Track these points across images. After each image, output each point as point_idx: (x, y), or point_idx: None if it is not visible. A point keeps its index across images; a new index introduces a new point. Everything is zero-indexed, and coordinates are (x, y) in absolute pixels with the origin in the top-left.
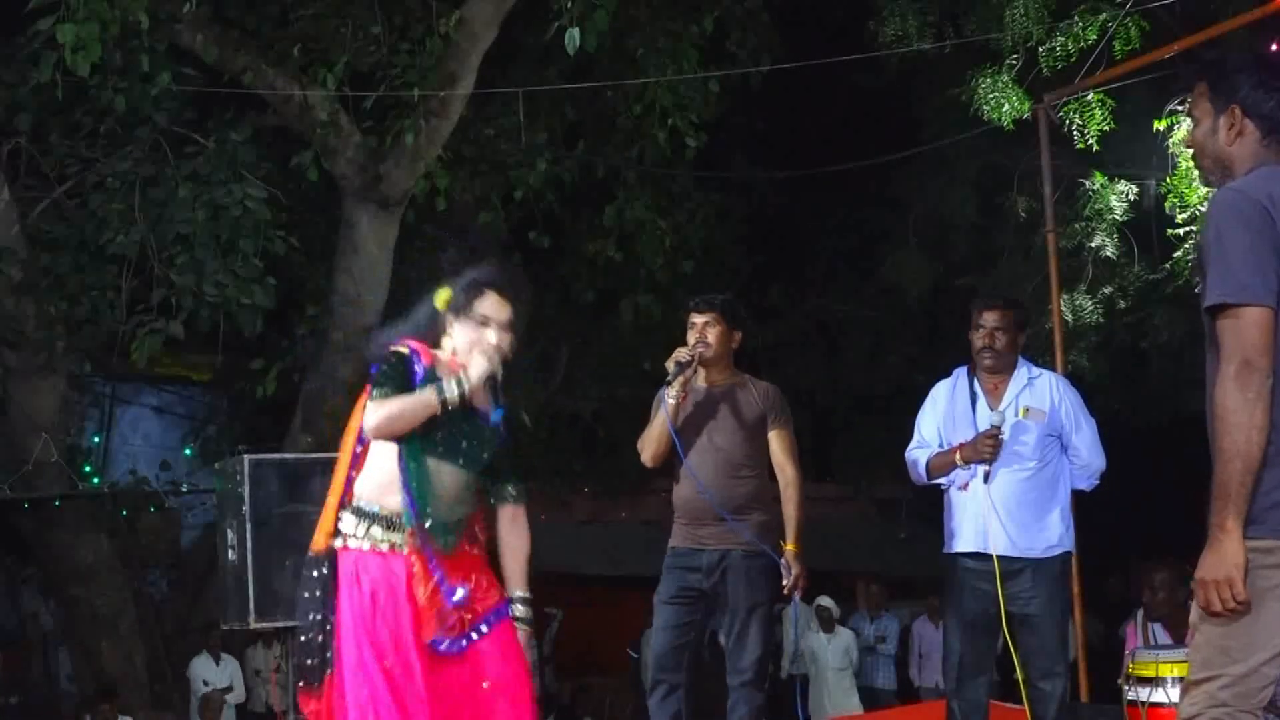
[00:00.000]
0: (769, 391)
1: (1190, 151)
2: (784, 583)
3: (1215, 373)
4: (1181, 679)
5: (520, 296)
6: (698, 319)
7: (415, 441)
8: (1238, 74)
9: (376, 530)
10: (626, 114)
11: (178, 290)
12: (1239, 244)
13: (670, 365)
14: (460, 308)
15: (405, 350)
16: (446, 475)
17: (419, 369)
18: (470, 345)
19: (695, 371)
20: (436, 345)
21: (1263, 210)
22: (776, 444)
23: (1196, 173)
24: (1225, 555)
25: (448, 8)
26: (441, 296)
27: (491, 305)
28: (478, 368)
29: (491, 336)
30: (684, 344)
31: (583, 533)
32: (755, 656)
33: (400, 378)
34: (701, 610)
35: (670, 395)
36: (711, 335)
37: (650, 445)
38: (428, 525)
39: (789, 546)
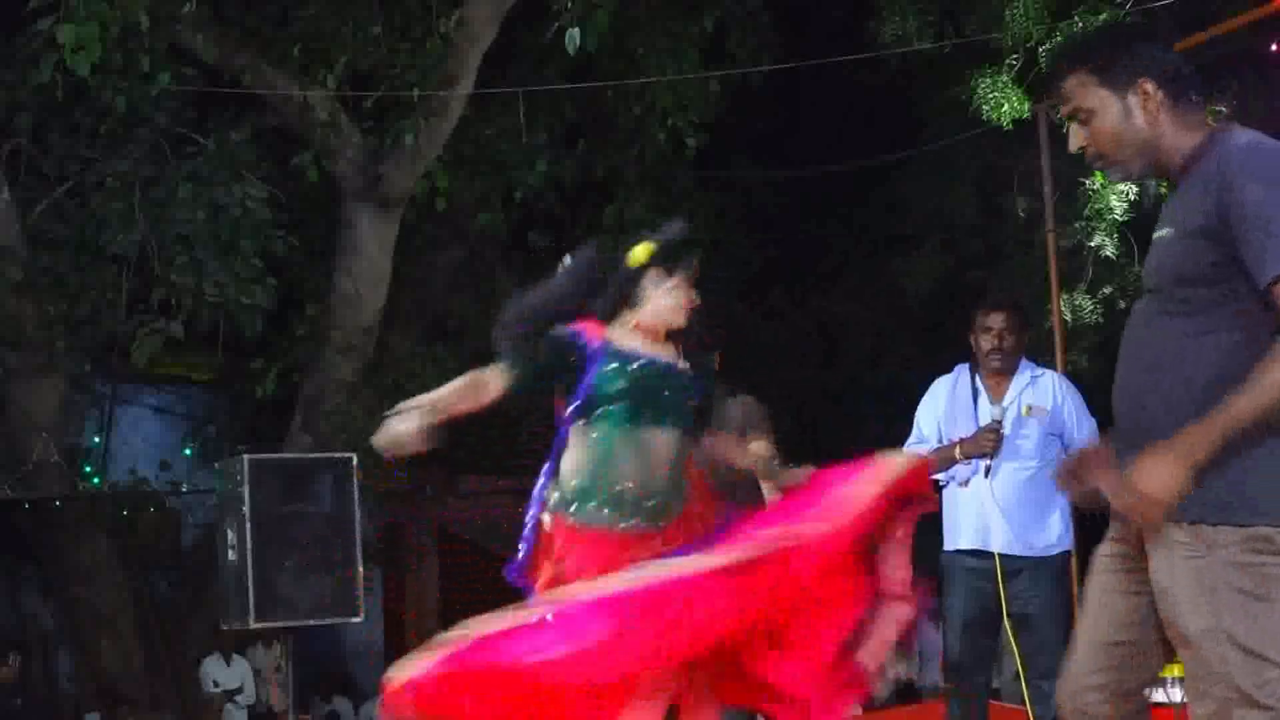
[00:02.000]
0: (749, 403)
1: (1088, 152)
2: None
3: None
4: (1182, 679)
5: None
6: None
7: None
8: (1131, 45)
9: None
10: (626, 114)
11: (178, 290)
12: None
13: None
14: (676, 264)
15: (568, 334)
16: (663, 440)
17: (589, 346)
18: (682, 305)
19: None
20: (610, 313)
21: None
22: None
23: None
24: (1176, 479)
25: (448, 8)
26: (639, 254)
27: (694, 265)
28: (676, 324)
29: (692, 295)
30: None
31: None
32: None
33: (542, 365)
34: None
35: None
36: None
37: None
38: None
39: None
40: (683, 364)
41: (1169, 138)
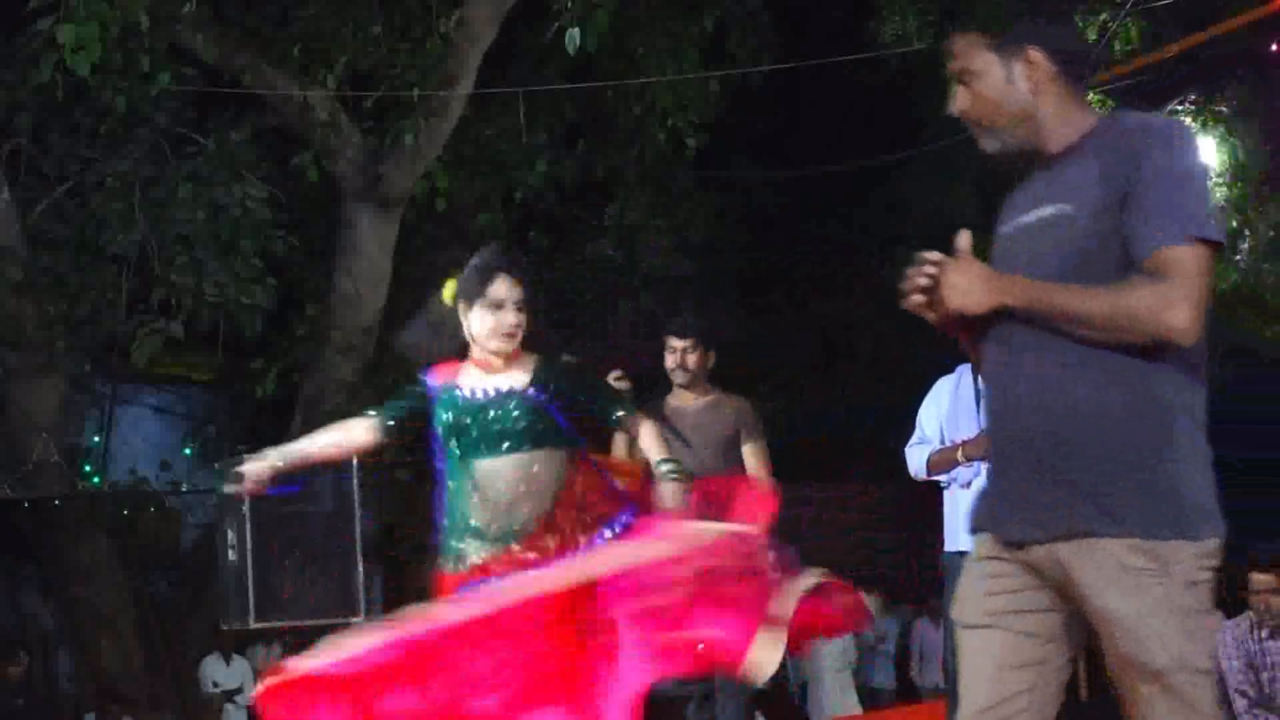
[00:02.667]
0: (742, 407)
1: (967, 116)
2: None
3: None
4: None
5: (529, 275)
6: (677, 344)
7: (453, 455)
8: (1028, 14)
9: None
10: (626, 114)
11: (178, 290)
12: (1203, 183)
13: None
14: (473, 295)
15: (421, 381)
16: (491, 467)
17: (432, 391)
18: (492, 331)
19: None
20: (464, 350)
21: None
22: (750, 457)
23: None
24: (984, 298)
25: (448, 8)
26: (448, 290)
27: (503, 286)
28: (499, 349)
29: (510, 317)
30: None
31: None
32: None
33: (402, 408)
34: None
35: None
36: (691, 361)
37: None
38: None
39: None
40: (517, 385)
41: (1051, 113)
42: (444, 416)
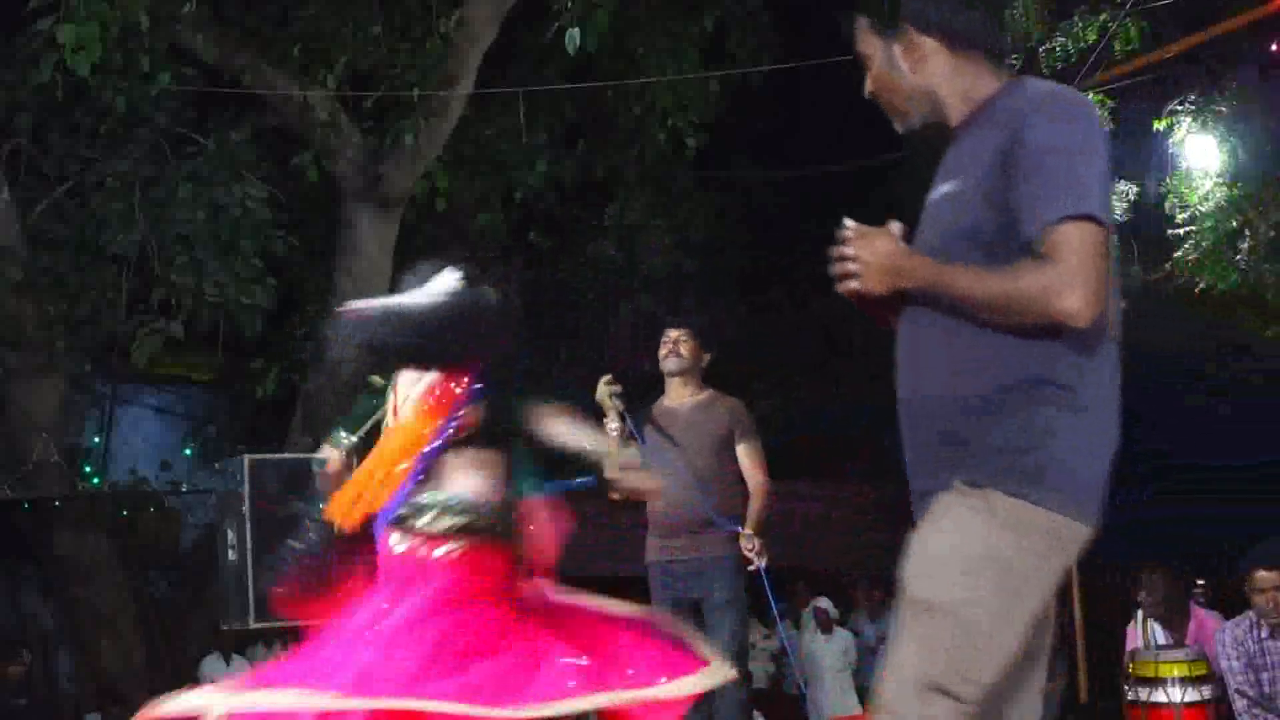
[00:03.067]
0: (735, 406)
1: (877, 96)
2: (745, 548)
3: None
4: (1182, 679)
5: None
6: (672, 333)
7: None
8: None
9: None
10: (626, 114)
11: (178, 290)
12: (1101, 160)
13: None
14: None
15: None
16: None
17: None
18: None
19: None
20: None
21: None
22: (745, 457)
23: (1193, 172)
24: (891, 278)
25: (448, 8)
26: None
27: None
28: None
29: None
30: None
31: (583, 532)
32: (726, 638)
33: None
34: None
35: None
36: (684, 350)
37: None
38: None
39: (747, 529)
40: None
41: (947, 88)
42: None
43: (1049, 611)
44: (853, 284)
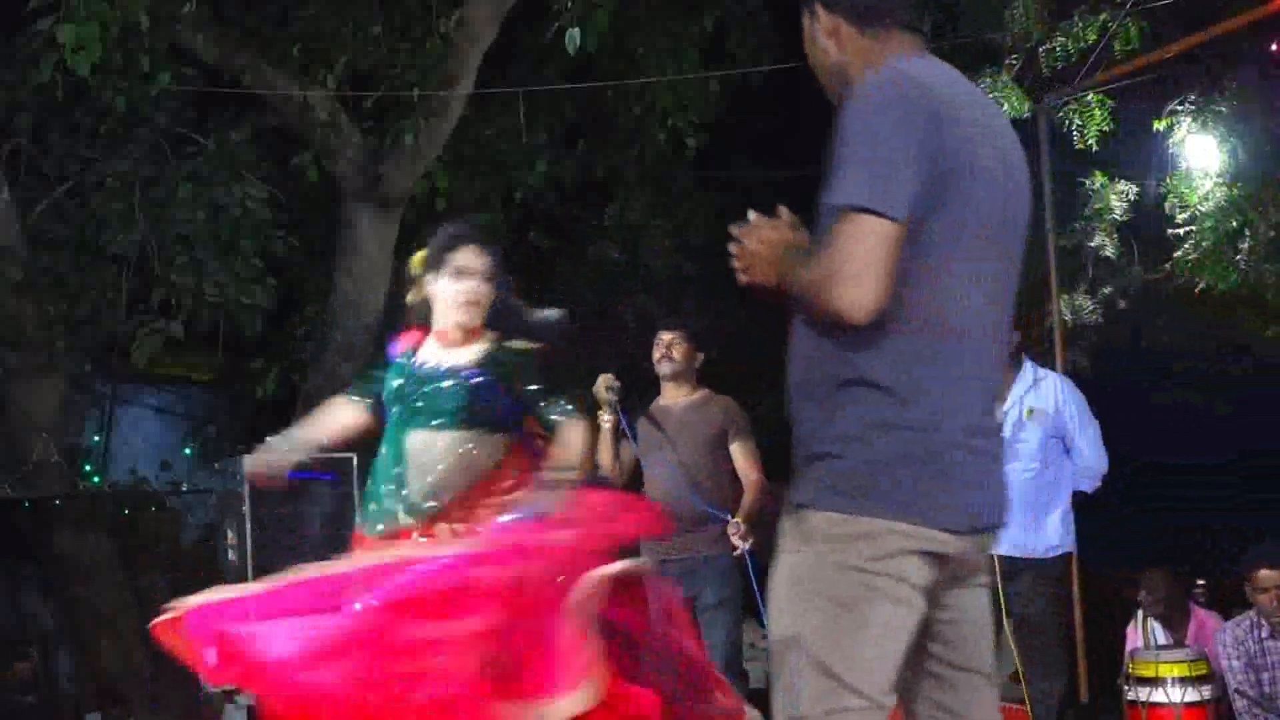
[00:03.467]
0: (729, 405)
1: (819, 77)
2: (730, 533)
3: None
4: (1182, 679)
5: (497, 250)
6: (664, 336)
7: (391, 421)
8: None
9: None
10: (626, 114)
11: (178, 290)
12: (897, 150)
13: (604, 393)
14: (437, 264)
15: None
16: (422, 440)
17: (390, 357)
18: (450, 300)
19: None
20: (428, 320)
21: (928, 108)
22: (739, 455)
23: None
24: (772, 268)
25: (448, 8)
26: (416, 260)
27: (466, 256)
28: (460, 320)
29: (473, 285)
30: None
31: None
32: (721, 638)
33: (373, 381)
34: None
35: (606, 422)
36: (677, 353)
37: (604, 461)
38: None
39: (738, 519)
40: (464, 363)
41: (856, 67)
42: (391, 382)
43: (962, 623)
44: (743, 276)
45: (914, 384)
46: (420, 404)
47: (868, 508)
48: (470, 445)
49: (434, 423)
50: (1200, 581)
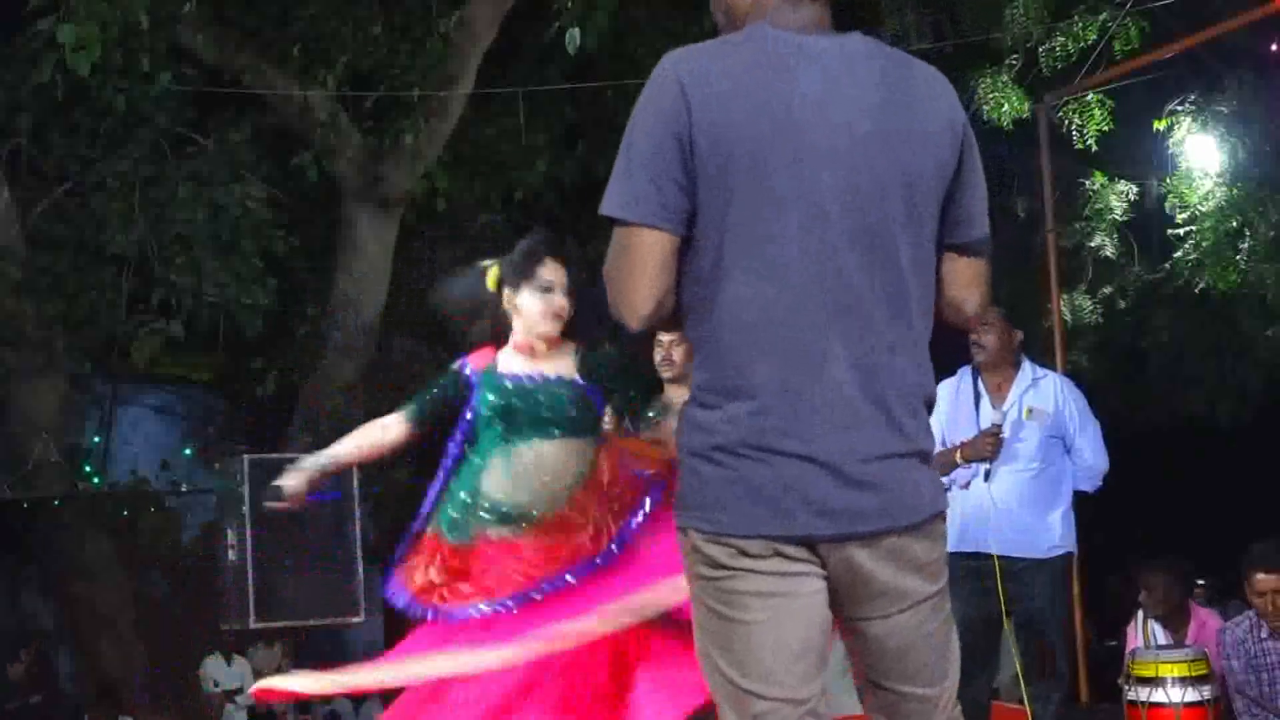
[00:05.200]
0: None
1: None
2: None
3: None
4: (1182, 679)
5: (575, 261)
6: (664, 337)
7: (492, 436)
8: None
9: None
10: (626, 114)
11: (178, 290)
12: (633, 146)
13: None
14: (521, 278)
15: (455, 366)
16: (534, 452)
17: (470, 376)
18: (542, 314)
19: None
20: (500, 335)
21: (674, 92)
22: None
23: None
24: None
25: (448, 8)
26: (492, 277)
27: (552, 270)
28: (547, 332)
29: (559, 300)
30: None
31: None
32: None
33: (431, 397)
34: None
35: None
36: (677, 354)
37: None
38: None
39: None
40: (564, 373)
41: (739, 14)
42: (489, 399)
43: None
44: None
45: (721, 388)
46: (532, 416)
47: (694, 522)
48: (578, 452)
49: (551, 433)
50: (1200, 581)
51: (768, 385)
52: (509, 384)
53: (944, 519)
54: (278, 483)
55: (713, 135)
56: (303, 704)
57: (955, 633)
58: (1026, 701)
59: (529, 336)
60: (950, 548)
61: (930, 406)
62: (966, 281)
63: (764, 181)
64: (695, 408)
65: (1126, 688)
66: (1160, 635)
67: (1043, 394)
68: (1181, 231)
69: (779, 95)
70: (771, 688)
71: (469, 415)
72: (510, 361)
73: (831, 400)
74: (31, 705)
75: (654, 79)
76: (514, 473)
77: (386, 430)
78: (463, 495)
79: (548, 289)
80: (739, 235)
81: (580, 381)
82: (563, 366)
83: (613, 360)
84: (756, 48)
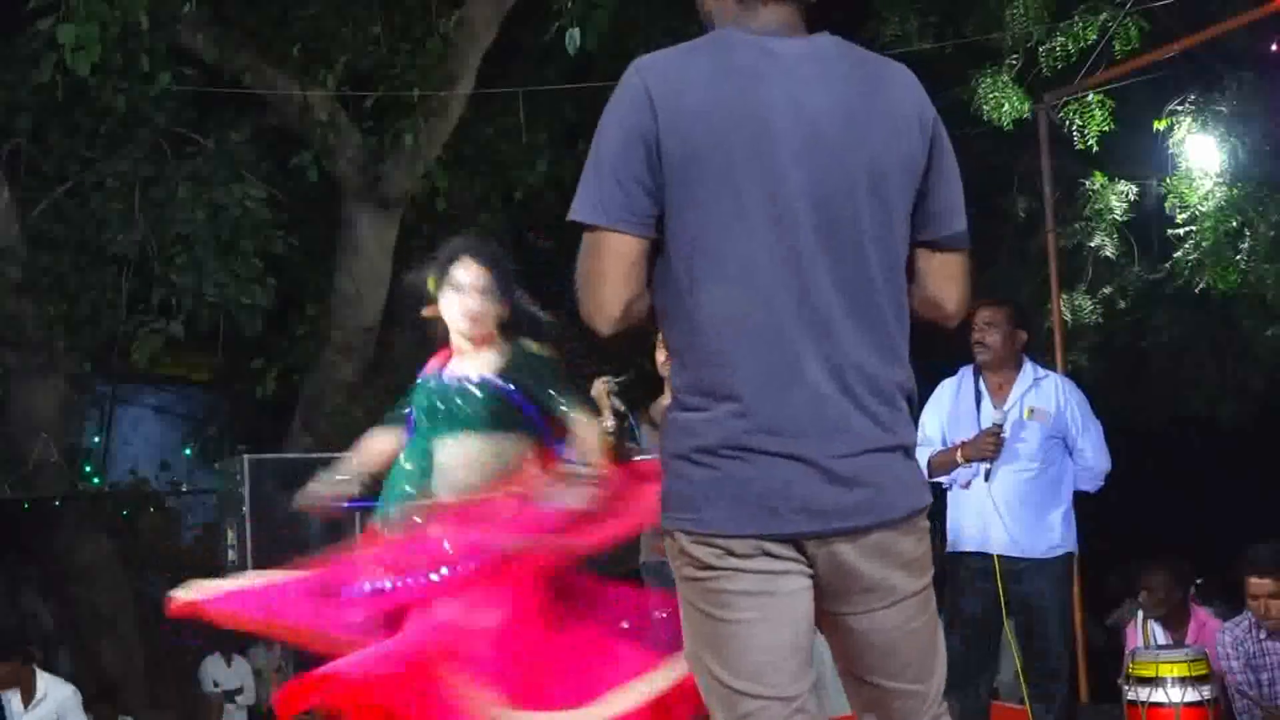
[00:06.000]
0: None
1: None
2: None
3: None
4: (1182, 679)
5: (499, 262)
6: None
7: (418, 433)
8: None
9: None
10: None
11: (178, 290)
12: (602, 154)
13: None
14: (442, 279)
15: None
16: (450, 448)
17: (420, 379)
18: (456, 313)
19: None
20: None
21: (640, 97)
22: None
23: (1193, 172)
24: None
25: (448, 8)
26: (431, 279)
27: (462, 270)
28: (462, 331)
29: (469, 301)
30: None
31: None
32: None
33: (403, 404)
34: None
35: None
36: None
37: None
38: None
39: None
40: (485, 371)
41: (717, 20)
42: (419, 399)
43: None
44: None
45: (701, 390)
46: (446, 414)
47: (681, 523)
48: (496, 449)
49: (460, 430)
50: (1199, 581)
51: (747, 385)
52: (432, 384)
53: (926, 514)
54: (311, 488)
55: (678, 138)
56: None
57: (941, 630)
58: (1027, 701)
59: (454, 336)
60: (951, 547)
61: (911, 401)
62: (944, 278)
63: (731, 184)
64: (677, 410)
65: (1126, 688)
66: (1160, 635)
67: (1044, 394)
68: (1181, 231)
69: (744, 98)
70: (761, 686)
71: (410, 414)
72: (452, 362)
73: (810, 398)
74: None
75: (621, 84)
76: (429, 469)
77: (377, 443)
78: (386, 492)
79: (459, 289)
80: (708, 238)
81: (497, 380)
82: (485, 365)
83: (533, 360)
84: (722, 51)
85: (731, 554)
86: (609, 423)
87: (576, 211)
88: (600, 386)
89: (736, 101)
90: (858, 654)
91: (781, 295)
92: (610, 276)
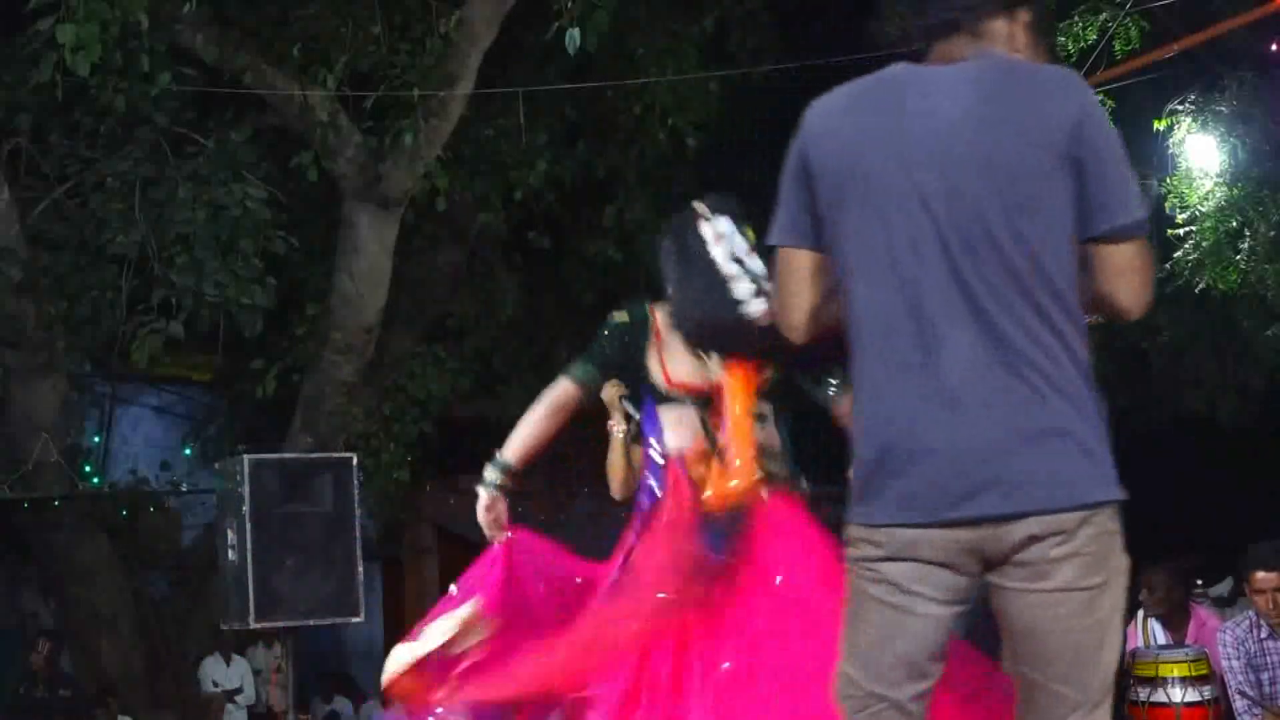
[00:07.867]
0: None
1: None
2: None
3: None
4: (1182, 679)
5: None
6: None
7: None
8: None
9: None
10: (626, 114)
11: (178, 290)
12: (785, 183)
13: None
14: None
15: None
16: None
17: None
18: None
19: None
20: None
21: (800, 129)
22: None
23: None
24: None
25: (448, 8)
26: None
27: None
28: None
29: None
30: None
31: (584, 532)
32: None
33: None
34: None
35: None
36: None
37: (614, 475)
38: None
39: None
40: None
41: None
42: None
43: (1014, 626)
44: None
45: (861, 391)
46: None
47: (852, 514)
48: None
49: None
50: (1200, 581)
51: (897, 385)
52: None
53: (1109, 512)
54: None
55: (825, 157)
56: (303, 703)
57: (1111, 643)
58: None
59: None
60: None
61: (1080, 394)
62: (1113, 272)
63: (872, 195)
64: (855, 404)
65: (1126, 688)
66: (1160, 635)
67: None
68: (1181, 231)
69: (885, 117)
70: (869, 682)
71: None
72: None
73: (961, 393)
74: (60, 698)
75: (802, 126)
76: None
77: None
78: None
79: None
80: (857, 246)
81: None
82: None
83: None
84: (876, 80)
85: (892, 542)
86: (619, 427)
87: (772, 237)
88: (610, 389)
89: (878, 121)
90: (1007, 635)
91: (925, 296)
92: (792, 290)
